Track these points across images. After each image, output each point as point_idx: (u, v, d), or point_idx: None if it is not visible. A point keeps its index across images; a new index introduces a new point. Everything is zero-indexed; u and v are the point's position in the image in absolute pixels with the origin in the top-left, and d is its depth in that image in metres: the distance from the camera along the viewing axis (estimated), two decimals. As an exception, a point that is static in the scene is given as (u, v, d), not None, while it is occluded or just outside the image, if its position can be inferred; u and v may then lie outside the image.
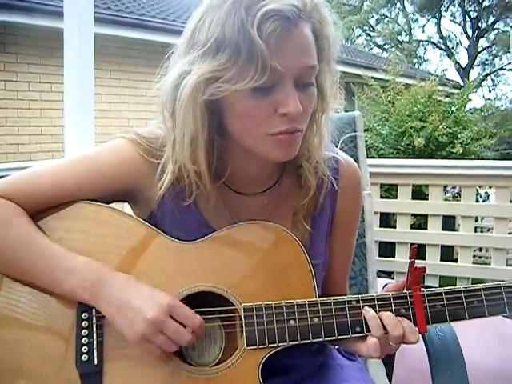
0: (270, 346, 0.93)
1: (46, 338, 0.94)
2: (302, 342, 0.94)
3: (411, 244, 0.97)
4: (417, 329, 0.93)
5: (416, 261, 0.95)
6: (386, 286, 1.02)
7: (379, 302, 0.95)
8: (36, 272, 0.94)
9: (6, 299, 0.96)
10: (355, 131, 1.65)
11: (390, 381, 1.44)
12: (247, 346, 0.93)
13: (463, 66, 23.11)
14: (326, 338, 0.94)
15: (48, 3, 5.85)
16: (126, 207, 1.08)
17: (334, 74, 0.97)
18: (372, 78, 7.12)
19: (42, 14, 5.89)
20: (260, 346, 0.93)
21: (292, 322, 0.94)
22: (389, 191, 4.01)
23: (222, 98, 0.88)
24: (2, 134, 6.34)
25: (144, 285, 0.92)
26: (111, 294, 0.91)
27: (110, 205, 1.02)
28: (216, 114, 0.92)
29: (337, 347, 1.19)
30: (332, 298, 0.96)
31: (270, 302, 0.94)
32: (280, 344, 0.93)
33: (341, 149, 1.12)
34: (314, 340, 0.94)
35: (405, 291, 0.97)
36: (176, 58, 0.92)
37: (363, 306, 0.96)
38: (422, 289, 0.96)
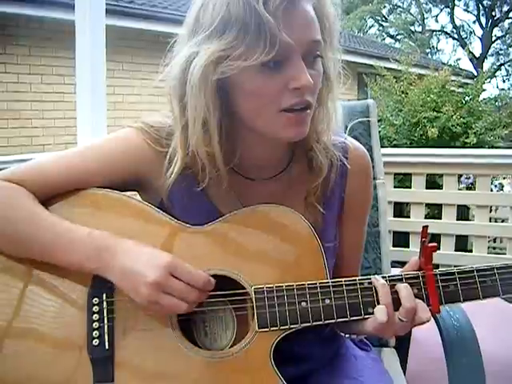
0: (282, 328, 0.93)
1: (57, 324, 0.94)
2: (314, 323, 0.93)
3: (423, 226, 0.96)
4: (428, 308, 0.92)
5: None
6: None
7: (391, 283, 0.94)
8: (43, 247, 0.95)
9: (13, 293, 0.95)
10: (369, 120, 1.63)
11: (404, 372, 1.42)
12: (259, 328, 0.93)
13: (477, 55, 22.83)
14: (339, 320, 0.94)
15: (59, -5, 5.87)
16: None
17: (336, 52, 0.97)
18: (385, 68, 7.08)
19: (54, 6, 5.90)
20: (272, 328, 0.93)
21: (303, 303, 0.93)
22: (403, 181, 3.98)
23: (232, 78, 0.88)
24: (15, 126, 6.39)
25: (145, 247, 0.92)
26: (115, 261, 0.91)
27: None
28: (224, 96, 0.91)
29: (347, 336, 1.18)
30: (343, 279, 0.96)
31: (281, 284, 0.94)
32: (292, 326, 0.93)
33: (353, 136, 1.11)
34: (326, 321, 0.94)
35: (417, 271, 0.96)
36: (179, 46, 0.92)
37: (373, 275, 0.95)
38: (435, 269, 0.95)
